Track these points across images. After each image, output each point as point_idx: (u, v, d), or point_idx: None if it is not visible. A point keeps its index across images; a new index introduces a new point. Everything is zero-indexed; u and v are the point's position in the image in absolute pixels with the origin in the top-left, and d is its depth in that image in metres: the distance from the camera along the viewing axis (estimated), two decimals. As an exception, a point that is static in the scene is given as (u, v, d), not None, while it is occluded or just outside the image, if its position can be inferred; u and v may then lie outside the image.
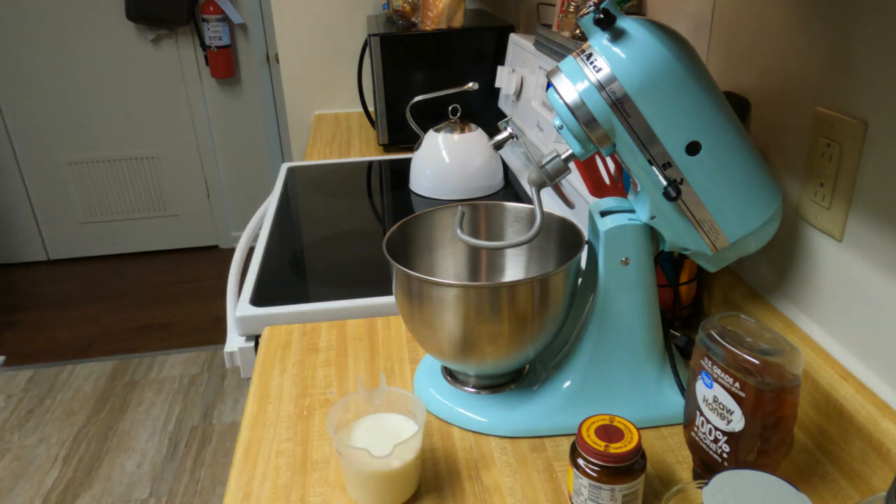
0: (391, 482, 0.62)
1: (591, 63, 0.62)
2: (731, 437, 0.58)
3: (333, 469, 0.69)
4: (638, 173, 0.66)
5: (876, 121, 0.62)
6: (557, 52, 1.24)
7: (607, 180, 0.94)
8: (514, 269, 0.85)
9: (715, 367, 0.58)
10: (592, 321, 0.71)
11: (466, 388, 0.77)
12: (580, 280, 0.76)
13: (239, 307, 0.97)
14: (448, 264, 0.84)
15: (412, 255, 0.80)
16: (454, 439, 0.73)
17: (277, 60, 2.22)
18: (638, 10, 1.14)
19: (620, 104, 0.62)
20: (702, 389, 0.60)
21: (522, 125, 1.45)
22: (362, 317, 0.97)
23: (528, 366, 0.80)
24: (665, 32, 0.62)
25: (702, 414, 0.61)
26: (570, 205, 0.80)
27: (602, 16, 0.60)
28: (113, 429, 2.21)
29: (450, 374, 0.79)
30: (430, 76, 1.67)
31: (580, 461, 0.60)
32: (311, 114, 2.16)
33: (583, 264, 0.75)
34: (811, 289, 0.74)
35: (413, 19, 1.73)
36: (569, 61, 0.65)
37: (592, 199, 0.96)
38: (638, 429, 0.61)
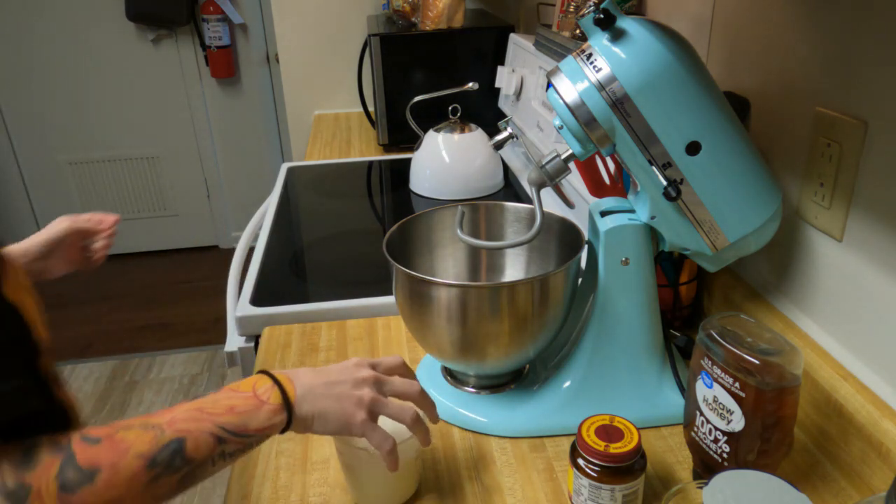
0: (391, 482, 0.63)
1: (591, 63, 0.62)
2: (731, 437, 0.58)
3: (333, 469, 0.69)
4: (638, 173, 0.65)
5: (876, 121, 0.62)
6: (557, 52, 1.24)
7: (607, 180, 0.94)
8: (514, 269, 0.85)
9: (715, 367, 0.58)
10: (592, 321, 0.71)
11: (466, 388, 0.77)
12: (580, 280, 0.76)
13: (239, 307, 0.97)
14: (448, 264, 0.84)
15: (412, 255, 0.80)
16: (454, 439, 0.73)
17: (277, 60, 2.22)
18: (638, 10, 1.14)
19: (620, 104, 0.62)
20: (702, 389, 0.60)
21: (522, 125, 1.44)
22: (362, 317, 0.97)
23: (528, 366, 0.80)
24: (665, 32, 0.62)
25: (702, 414, 0.61)
26: (570, 205, 0.80)
27: (602, 16, 0.60)
28: (113, 429, 2.21)
29: (450, 374, 0.79)
30: (430, 76, 1.67)
31: (580, 461, 0.60)
32: (311, 114, 2.16)
33: (583, 264, 0.75)
34: (811, 289, 0.74)
35: (413, 19, 1.73)
36: (569, 61, 0.65)
37: (592, 199, 0.96)
38: (638, 429, 0.61)
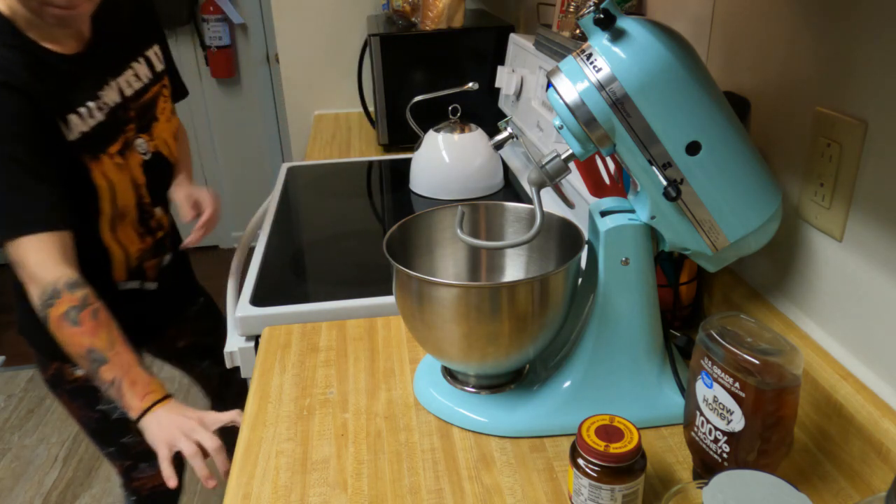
0: None
1: (591, 63, 0.62)
2: (731, 437, 0.58)
3: (333, 469, 0.69)
4: (638, 173, 0.65)
5: (876, 121, 0.62)
6: (557, 52, 1.24)
7: (607, 180, 0.94)
8: (514, 269, 0.85)
9: (715, 367, 0.58)
10: (592, 321, 0.71)
11: (466, 388, 0.77)
12: (580, 280, 0.76)
13: (239, 307, 0.97)
14: (448, 264, 0.84)
15: (412, 255, 0.80)
16: (454, 439, 0.73)
17: (277, 60, 2.22)
18: (638, 10, 1.14)
19: (620, 104, 0.62)
20: (702, 389, 0.60)
21: (522, 125, 1.44)
22: (362, 317, 0.97)
23: (528, 366, 0.80)
24: (665, 32, 0.62)
25: (702, 414, 0.61)
26: (570, 205, 0.80)
27: (602, 16, 0.60)
28: (113, 429, 2.21)
29: (450, 374, 0.79)
30: (430, 76, 1.67)
31: (580, 461, 0.60)
32: (311, 114, 2.16)
33: (583, 264, 0.75)
34: (811, 289, 0.74)
35: (413, 19, 1.73)
36: (569, 61, 0.65)
37: (592, 199, 0.96)
38: (638, 429, 0.61)
